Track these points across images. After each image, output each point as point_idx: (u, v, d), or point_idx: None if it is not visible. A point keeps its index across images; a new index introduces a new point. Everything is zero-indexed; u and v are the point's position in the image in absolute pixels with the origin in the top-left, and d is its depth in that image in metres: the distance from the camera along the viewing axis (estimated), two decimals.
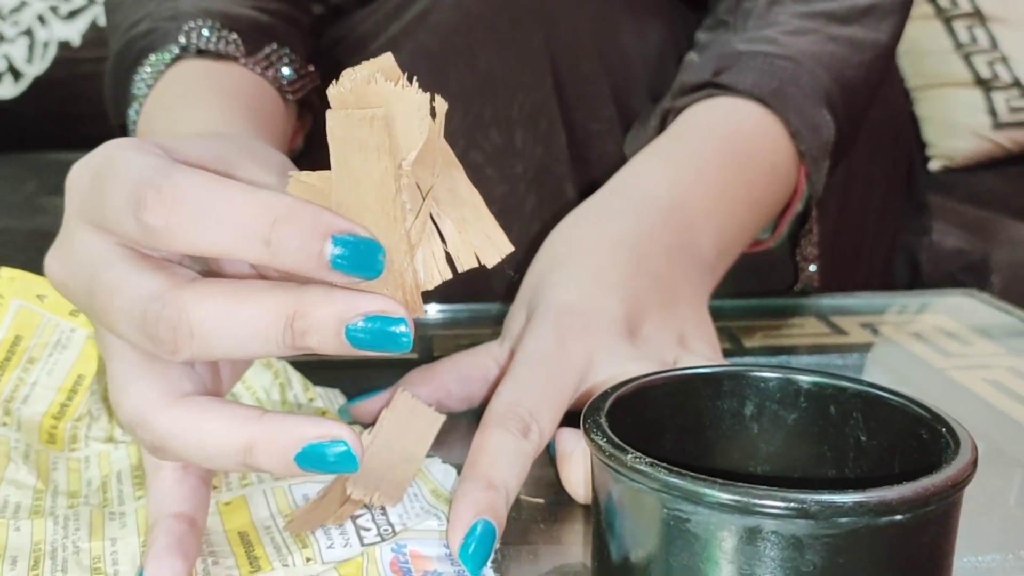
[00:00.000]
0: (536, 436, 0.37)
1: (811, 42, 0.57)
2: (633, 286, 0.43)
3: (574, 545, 0.35)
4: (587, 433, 0.29)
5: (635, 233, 0.45)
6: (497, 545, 0.34)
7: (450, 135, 0.59)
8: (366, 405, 0.43)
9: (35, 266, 0.58)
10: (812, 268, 0.62)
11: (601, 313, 0.41)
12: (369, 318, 0.29)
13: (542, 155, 0.60)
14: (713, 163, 0.51)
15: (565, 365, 0.39)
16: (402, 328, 0.29)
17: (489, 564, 0.33)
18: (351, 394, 0.45)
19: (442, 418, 0.38)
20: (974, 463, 0.28)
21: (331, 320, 0.29)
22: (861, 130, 0.61)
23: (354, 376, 0.46)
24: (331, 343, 0.29)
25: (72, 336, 0.42)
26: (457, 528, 0.33)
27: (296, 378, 0.45)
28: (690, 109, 0.54)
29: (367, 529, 0.35)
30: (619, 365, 0.40)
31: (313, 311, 0.29)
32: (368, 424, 0.42)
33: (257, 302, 0.29)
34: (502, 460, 0.35)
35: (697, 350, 0.43)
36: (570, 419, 0.38)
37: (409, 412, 0.37)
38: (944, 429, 0.30)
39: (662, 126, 0.56)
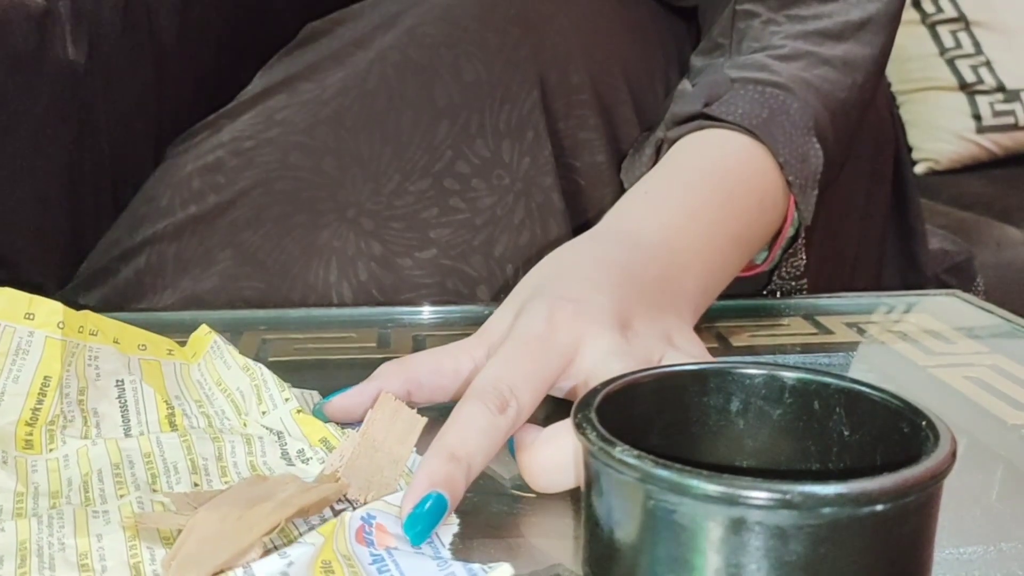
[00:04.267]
0: (513, 412, 0.37)
1: (802, 67, 0.57)
2: (623, 292, 0.44)
3: (565, 538, 0.36)
4: (577, 428, 0.30)
5: (624, 261, 0.47)
6: (455, 521, 0.35)
7: (437, 146, 0.60)
8: (340, 401, 0.43)
9: None
10: (792, 283, 0.63)
11: (594, 303, 0.42)
12: None
13: (529, 166, 0.60)
14: (703, 203, 0.52)
15: (553, 346, 0.40)
16: None
17: (447, 543, 0.34)
18: (326, 393, 0.45)
19: (424, 420, 0.38)
20: (953, 455, 0.29)
21: None
22: (852, 145, 0.62)
23: (323, 376, 0.47)
24: None
25: (31, 339, 0.43)
26: (410, 497, 0.34)
27: (271, 380, 0.45)
28: (681, 142, 0.55)
29: (343, 508, 0.36)
30: (606, 354, 0.40)
31: None
32: (343, 423, 0.43)
33: None
34: (471, 433, 0.36)
35: (684, 348, 0.44)
36: (559, 407, 0.39)
37: (392, 413, 0.38)
38: (924, 423, 0.30)
39: (656, 155, 0.57)
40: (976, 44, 1.37)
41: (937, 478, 0.28)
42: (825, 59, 0.58)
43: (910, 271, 0.79)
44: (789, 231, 0.58)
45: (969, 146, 1.34)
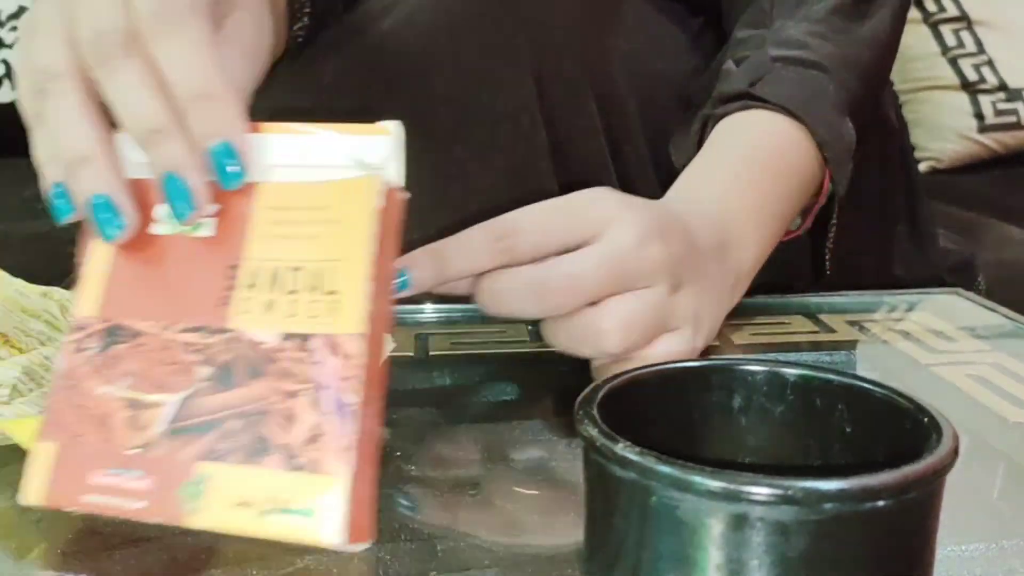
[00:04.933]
0: (509, 243, 0.44)
1: (837, 46, 0.62)
2: (677, 238, 0.47)
3: (567, 535, 0.36)
4: (579, 424, 0.30)
5: (685, 224, 0.49)
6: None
7: (434, 130, 0.60)
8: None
9: (34, 269, 0.59)
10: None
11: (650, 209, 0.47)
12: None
13: (524, 151, 0.61)
14: (752, 183, 0.56)
15: (582, 213, 0.45)
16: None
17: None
18: None
19: None
20: (955, 451, 0.29)
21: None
22: (875, 118, 0.67)
23: None
24: None
25: None
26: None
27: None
28: (728, 122, 0.59)
29: None
30: (636, 231, 0.44)
31: None
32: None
33: None
34: (456, 243, 0.44)
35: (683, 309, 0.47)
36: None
37: None
38: (926, 419, 0.30)
39: (702, 131, 0.61)
40: (978, 43, 1.37)
41: (939, 474, 0.28)
42: (856, 39, 0.63)
43: (920, 266, 0.79)
44: (822, 202, 0.62)
45: (971, 145, 1.34)
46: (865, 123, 0.62)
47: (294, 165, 0.38)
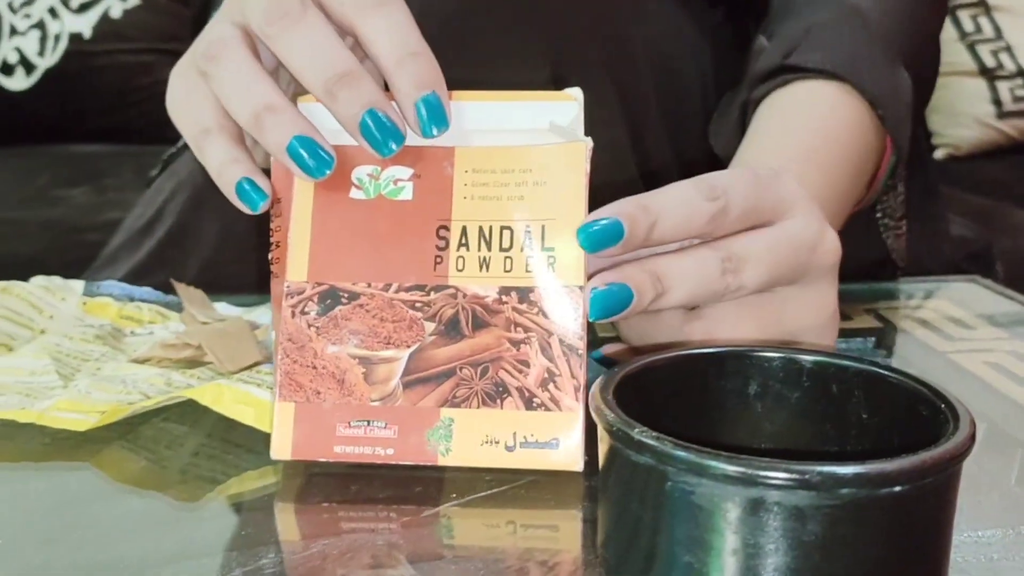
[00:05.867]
0: (721, 204, 0.37)
1: None
2: None
3: (585, 520, 0.36)
4: (596, 411, 0.30)
5: None
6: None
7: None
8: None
9: (47, 257, 0.59)
10: (892, 222, 0.62)
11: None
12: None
13: None
14: (803, 175, 0.49)
15: (777, 186, 0.40)
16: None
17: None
18: None
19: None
20: (972, 437, 0.29)
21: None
22: (936, 65, 0.61)
23: None
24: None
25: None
26: (593, 215, 0.37)
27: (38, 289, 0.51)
28: (768, 104, 0.54)
29: None
30: (816, 219, 0.40)
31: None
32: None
33: None
34: (665, 198, 0.37)
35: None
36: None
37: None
38: (943, 405, 0.30)
39: (742, 117, 0.57)
40: (996, 28, 1.35)
41: (956, 460, 0.28)
42: None
43: (933, 266, 0.79)
44: (885, 170, 0.57)
45: (989, 132, 1.33)
46: (925, 71, 0.56)
47: (489, 130, 0.39)
